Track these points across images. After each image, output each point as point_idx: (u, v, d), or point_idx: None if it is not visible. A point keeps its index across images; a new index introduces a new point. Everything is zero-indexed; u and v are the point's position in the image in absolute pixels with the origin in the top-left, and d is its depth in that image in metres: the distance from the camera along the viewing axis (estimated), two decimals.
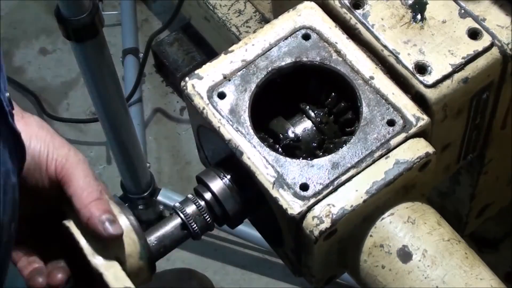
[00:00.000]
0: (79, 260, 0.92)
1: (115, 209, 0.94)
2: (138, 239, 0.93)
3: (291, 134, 0.99)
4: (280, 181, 0.93)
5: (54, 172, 0.91)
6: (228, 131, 0.96)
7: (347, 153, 0.94)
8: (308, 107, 1.01)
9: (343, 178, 0.93)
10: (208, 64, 1.01)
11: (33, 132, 0.92)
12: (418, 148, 0.95)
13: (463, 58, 1.00)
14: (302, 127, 1.00)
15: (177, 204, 0.98)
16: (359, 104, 0.98)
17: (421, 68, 0.99)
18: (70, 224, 0.92)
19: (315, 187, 0.92)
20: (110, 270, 0.90)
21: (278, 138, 0.99)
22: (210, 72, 1.00)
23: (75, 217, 0.91)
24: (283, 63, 1.00)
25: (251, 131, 0.96)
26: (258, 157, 0.94)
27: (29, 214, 0.94)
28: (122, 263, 0.91)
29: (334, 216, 0.91)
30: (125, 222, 0.93)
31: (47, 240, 0.96)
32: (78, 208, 0.90)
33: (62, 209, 0.93)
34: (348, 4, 1.03)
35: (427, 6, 1.03)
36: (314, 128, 1.00)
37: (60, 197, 0.92)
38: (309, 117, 1.01)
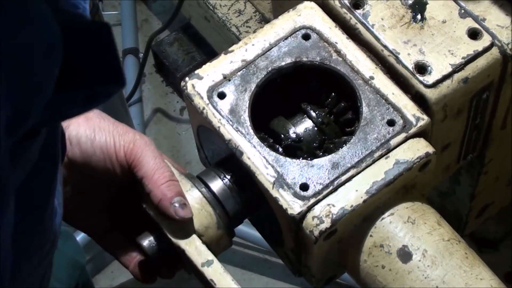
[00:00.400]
0: (163, 237, 0.93)
1: (187, 184, 0.94)
2: (213, 210, 0.95)
3: (292, 135, 0.99)
4: (280, 181, 0.93)
5: (124, 158, 0.91)
6: (228, 131, 0.96)
7: (347, 153, 0.94)
8: (309, 107, 1.01)
9: (343, 178, 0.93)
10: (208, 64, 1.01)
11: (95, 124, 0.92)
12: (418, 148, 0.95)
13: (463, 58, 0.99)
14: (303, 127, 1.00)
15: None
16: (359, 104, 0.97)
17: (421, 68, 0.99)
18: (148, 205, 0.92)
19: (315, 187, 0.92)
20: (191, 245, 0.92)
21: (280, 138, 0.99)
22: (210, 72, 1.00)
23: (148, 199, 0.92)
24: (283, 63, 1.00)
25: (251, 131, 0.96)
26: (258, 157, 0.94)
27: (108, 203, 0.95)
28: (201, 236, 0.93)
29: (334, 216, 0.91)
30: (198, 195, 0.94)
31: (132, 223, 0.97)
32: (149, 189, 0.90)
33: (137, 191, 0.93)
34: (348, 4, 1.03)
35: (427, 6, 1.03)
36: (315, 128, 1.00)
37: (133, 182, 0.92)
38: (310, 117, 1.00)
